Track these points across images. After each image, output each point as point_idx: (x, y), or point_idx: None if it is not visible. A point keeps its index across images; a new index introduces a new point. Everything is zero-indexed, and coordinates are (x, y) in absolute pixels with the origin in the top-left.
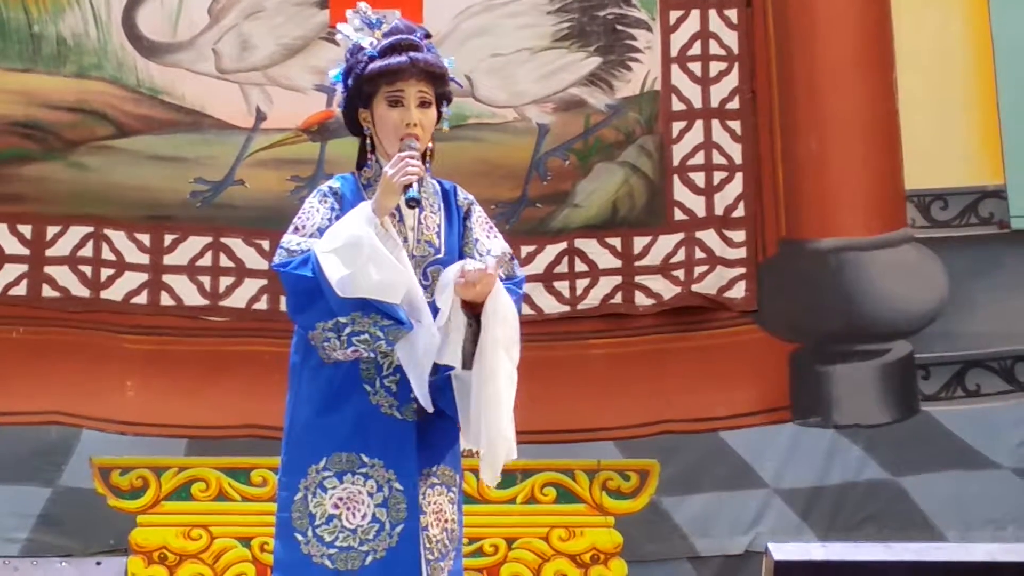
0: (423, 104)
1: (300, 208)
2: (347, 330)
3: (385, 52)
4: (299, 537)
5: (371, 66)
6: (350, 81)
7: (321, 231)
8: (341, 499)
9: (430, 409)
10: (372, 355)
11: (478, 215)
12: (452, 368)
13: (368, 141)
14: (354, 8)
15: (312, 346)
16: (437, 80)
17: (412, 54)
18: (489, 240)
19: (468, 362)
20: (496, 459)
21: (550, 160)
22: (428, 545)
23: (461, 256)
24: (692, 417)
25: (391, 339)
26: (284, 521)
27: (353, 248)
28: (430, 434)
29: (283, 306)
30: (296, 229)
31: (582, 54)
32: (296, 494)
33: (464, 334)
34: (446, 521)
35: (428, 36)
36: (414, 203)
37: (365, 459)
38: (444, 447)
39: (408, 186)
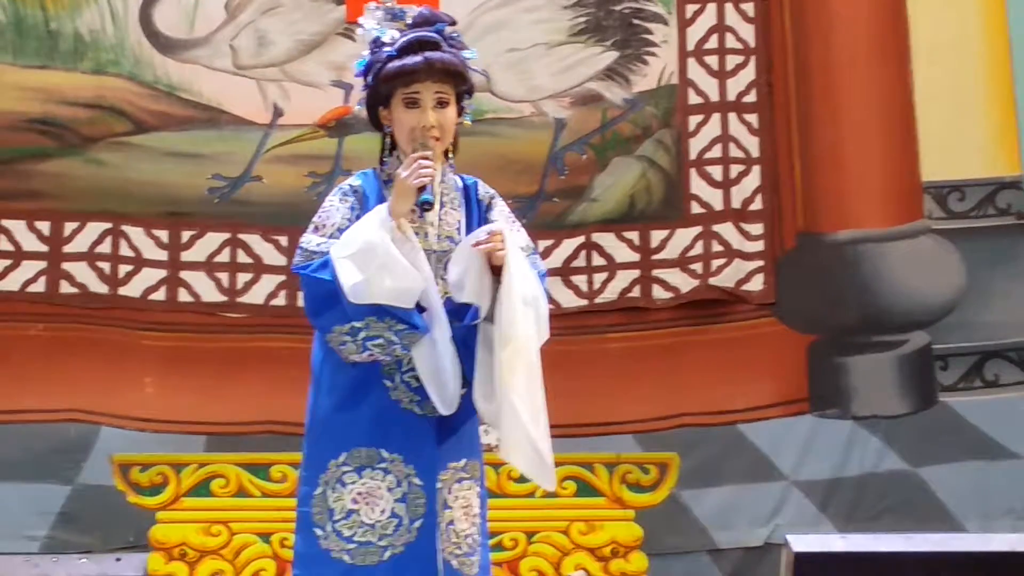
0: (441, 104)
1: (320, 206)
2: (362, 335)
3: (402, 51)
4: (318, 532)
5: (388, 67)
6: (370, 78)
7: (341, 231)
8: (360, 494)
9: (447, 413)
10: (389, 359)
11: (500, 208)
12: (477, 317)
13: (389, 139)
14: (371, 3)
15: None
16: (456, 78)
17: (428, 54)
18: (511, 233)
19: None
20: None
21: (567, 155)
22: (455, 540)
23: None
24: (710, 410)
25: (406, 344)
26: (304, 516)
27: (366, 254)
28: (454, 428)
29: (301, 302)
30: (316, 228)
31: (599, 48)
32: (316, 489)
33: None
34: (474, 516)
35: (453, 23)
36: (427, 206)
37: (385, 454)
38: (468, 441)
39: (422, 188)
